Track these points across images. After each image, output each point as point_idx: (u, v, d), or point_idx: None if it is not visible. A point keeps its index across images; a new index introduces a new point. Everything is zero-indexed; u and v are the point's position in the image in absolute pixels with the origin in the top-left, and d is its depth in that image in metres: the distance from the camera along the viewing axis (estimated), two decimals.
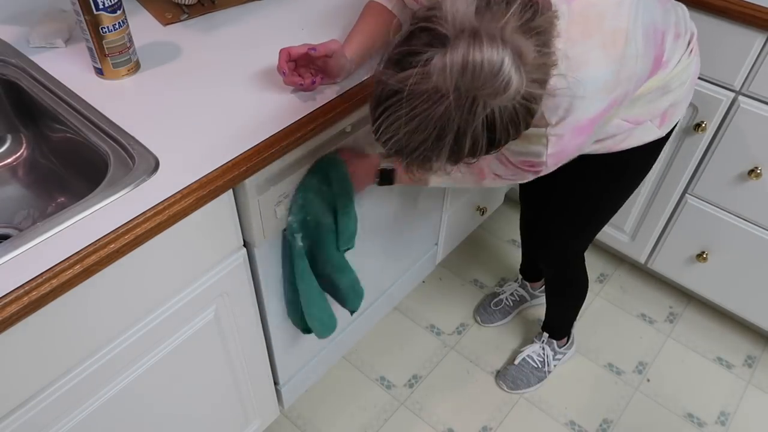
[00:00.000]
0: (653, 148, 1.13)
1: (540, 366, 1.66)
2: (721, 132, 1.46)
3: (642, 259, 1.81)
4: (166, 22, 1.18)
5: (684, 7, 1.06)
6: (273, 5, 1.24)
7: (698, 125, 1.47)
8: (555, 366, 1.68)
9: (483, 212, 1.84)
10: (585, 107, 0.84)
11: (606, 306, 1.88)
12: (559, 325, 1.65)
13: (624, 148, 1.09)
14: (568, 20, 0.78)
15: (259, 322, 1.19)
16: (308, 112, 0.98)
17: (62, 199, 1.06)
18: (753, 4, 1.27)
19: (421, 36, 0.69)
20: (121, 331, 0.91)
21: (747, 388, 1.69)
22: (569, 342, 1.69)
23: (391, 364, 1.71)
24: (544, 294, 1.81)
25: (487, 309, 1.82)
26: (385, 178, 1.10)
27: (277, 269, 1.15)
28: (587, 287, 1.53)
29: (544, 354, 1.66)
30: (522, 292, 1.82)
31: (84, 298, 0.81)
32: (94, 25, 0.96)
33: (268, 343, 1.25)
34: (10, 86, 1.05)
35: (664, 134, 1.11)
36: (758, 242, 1.54)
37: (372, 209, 1.33)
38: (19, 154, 1.10)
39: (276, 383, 1.37)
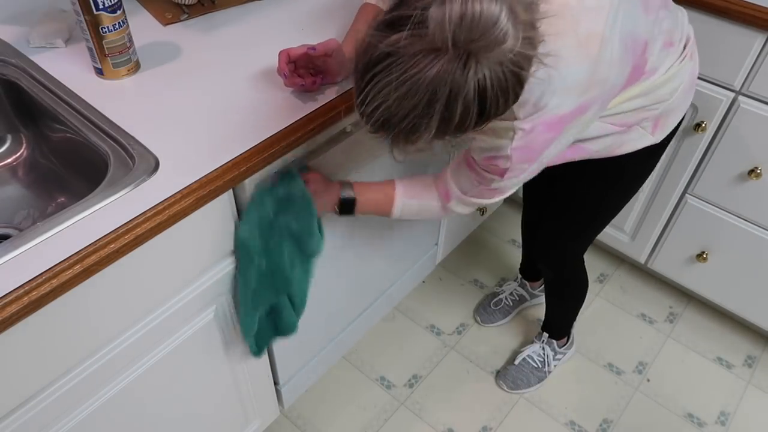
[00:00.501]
0: (648, 155, 1.12)
1: (540, 366, 1.66)
2: (721, 132, 1.46)
3: (642, 259, 1.81)
4: (166, 22, 1.18)
5: (684, 11, 1.05)
6: (273, 5, 1.24)
7: (698, 125, 1.47)
8: (555, 366, 1.68)
9: (483, 212, 1.84)
10: (554, 104, 0.83)
11: (606, 306, 1.88)
12: (558, 325, 1.65)
13: (620, 154, 1.09)
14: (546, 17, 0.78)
15: None
16: (308, 112, 0.98)
17: (62, 199, 1.06)
18: (753, 4, 1.27)
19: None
20: (121, 331, 0.91)
21: (747, 388, 1.69)
22: (569, 342, 1.69)
23: (391, 364, 1.71)
24: (543, 294, 1.81)
25: (487, 309, 1.82)
26: (346, 207, 1.07)
27: None
28: (587, 288, 1.53)
29: (544, 354, 1.66)
30: (521, 291, 1.82)
31: (84, 298, 0.81)
32: (94, 25, 0.96)
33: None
34: (10, 86, 1.05)
35: (658, 141, 1.10)
36: (758, 242, 1.54)
37: None
38: (19, 154, 1.10)
39: (276, 383, 1.37)
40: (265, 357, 1.26)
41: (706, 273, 1.70)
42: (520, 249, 2.02)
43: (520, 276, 1.83)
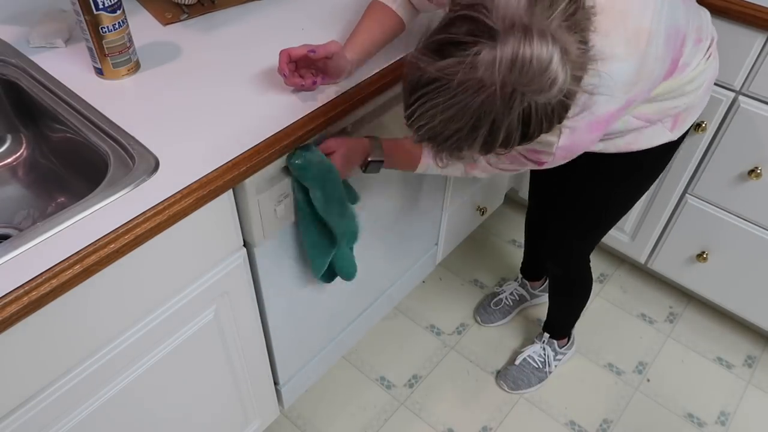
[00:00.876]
0: (665, 151, 1.12)
1: (541, 366, 1.66)
2: (721, 132, 1.46)
3: (642, 259, 1.81)
4: (166, 22, 1.18)
5: (707, 11, 1.06)
6: (273, 5, 1.24)
7: (698, 125, 1.47)
8: (556, 366, 1.68)
9: (483, 212, 1.84)
10: (603, 103, 0.83)
11: (606, 306, 1.88)
12: (561, 324, 1.65)
13: (635, 150, 1.08)
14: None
15: (259, 322, 1.19)
16: (308, 112, 0.98)
17: (62, 199, 1.06)
18: (753, 4, 1.27)
19: (462, 25, 0.68)
20: (121, 331, 0.91)
21: (747, 388, 1.69)
22: (570, 342, 1.69)
23: (391, 364, 1.71)
24: (543, 293, 1.81)
25: (487, 309, 1.82)
26: (373, 167, 1.08)
27: (277, 269, 1.15)
28: (591, 287, 1.53)
29: (545, 354, 1.66)
30: (522, 291, 1.82)
31: (84, 298, 0.81)
32: (94, 25, 0.96)
33: (268, 343, 1.25)
34: (10, 86, 1.04)
35: (676, 138, 1.10)
36: (758, 242, 1.54)
37: (372, 209, 1.33)
38: (19, 154, 1.10)
39: (276, 383, 1.37)
40: (265, 357, 1.26)
41: (706, 273, 1.70)
42: (521, 249, 2.02)
43: (520, 276, 1.83)
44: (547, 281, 1.79)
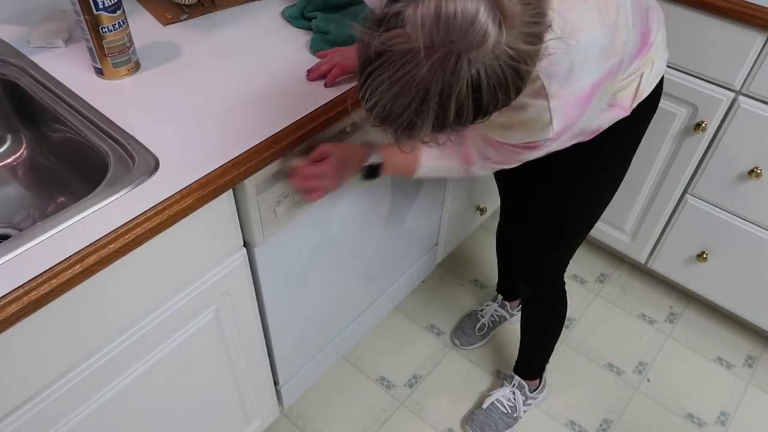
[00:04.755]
0: (623, 129, 1.07)
1: (509, 412, 1.57)
2: (721, 132, 1.46)
3: (642, 259, 1.81)
4: (166, 22, 1.18)
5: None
6: (273, 5, 1.24)
7: (698, 125, 1.47)
8: (525, 411, 1.59)
9: (483, 212, 1.84)
10: (584, 73, 0.82)
11: (606, 306, 1.88)
12: (533, 363, 1.57)
13: (594, 134, 1.06)
14: None
15: (259, 322, 1.19)
16: (308, 112, 0.98)
17: (62, 199, 1.06)
18: (753, 4, 1.27)
19: None
20: (121, 331, 0.91)
21: (747, 388, 1.69)
22: (541, 385, 1.61)
23: (391, 364, 1.71)
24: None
25: (466, 331, 1.76)
26: (371, 173, 1.06)
27: (277, 269, 1.15)
28: (565, 316, 1.45)
29: (514, 399, 1.57)
30: (502, 312, 1.77)
31: (84, 298, 0.81)
32: (94, 25, 0.96)
33: (268, 343, 1.25)
34: (10, 86, 1.04)
35: (628, 112, 1.04)
36: (758, 242, 1.54)
37: (372, 209, 1.33)
38: (19, 154, 1.10)
39: (276, 383, 1.37)
40: (265, 357, 1.26)
41: (706, 273, 1.70)
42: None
43: (500, 296, 1.79)
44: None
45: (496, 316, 1.78)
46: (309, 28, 1.16)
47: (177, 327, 1.00)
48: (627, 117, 1.04)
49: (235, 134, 0.93)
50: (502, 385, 1.62)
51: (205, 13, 1.21)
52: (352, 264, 1.39)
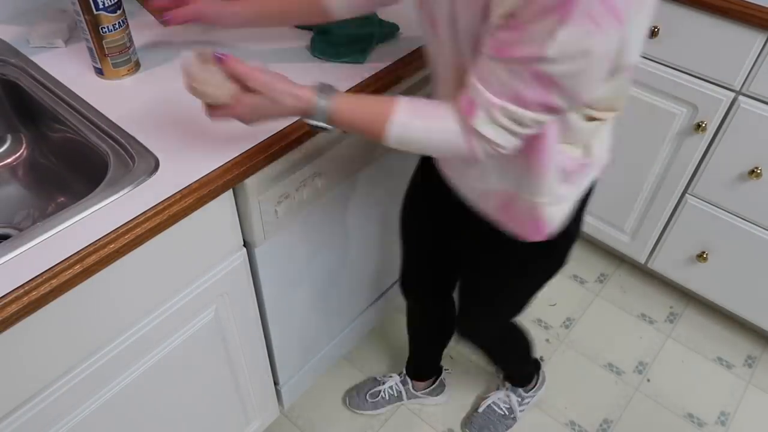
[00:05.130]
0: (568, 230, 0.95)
1: (506, 413, 1.55)
2: (721, 132, 1.46)
3: (642, 259, 1.81)
4: None
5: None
6: None
7: (698, 125, 1.47)
8: (522, 411, 1.57)
9: None
10: None
11: (606, 306, 1.88)
12: (517, 374, 1.55)
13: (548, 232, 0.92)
14: None
15: (259, 322, 1.19)
16: None
17: (62, 199, 1.06)
18: (753, 4, 1.27)
19: None
20: (121, 331, 0.91)
21: (747, 388, 1.69)
22: (538, 383, 1.58)
23: (390, 364, 1.71)
24: (427, 396, 1.61)
25: (361, 395, 1.60)
26: (323, 94, 0.79)
27: (277, 269, 1.15)
28: (528, 337, 1.39)
29: (509, 401, 1.56)
30: (401, 388, 1.60)
31: (84, 298, 0.81)
32: (94, 25, 0.96)
33: (268, 343, 1.25)
34: (10, 86, 1.05)
35: (576, 195, 0.92)
36: (758, 242, 1.54)
37: (372, 209, 1.33)
38: (19, 154, 1.10)
39: (276, 383, 1.37)
40: (265, 357, 1.26)
41: (706, 273, 1.70)
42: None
43: (404, 372, 1.61)
44: (435, 384, 1.60)
45: (395, 390, 1.59)
46: (309, 28, 1.16)
47: (177, 327, 1.00)
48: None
49: (235, 134, 0.93)
50: (497, 388, 1.61)
51: None
52: (352, 264, 1.39)
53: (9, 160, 1.09)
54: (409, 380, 1.60)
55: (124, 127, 0.93)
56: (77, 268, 0.76)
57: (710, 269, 1.68)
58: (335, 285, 1.37)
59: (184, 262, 0.94)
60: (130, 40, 1.02)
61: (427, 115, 0.77)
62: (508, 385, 1.58)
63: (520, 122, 0.73)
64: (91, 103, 0.98)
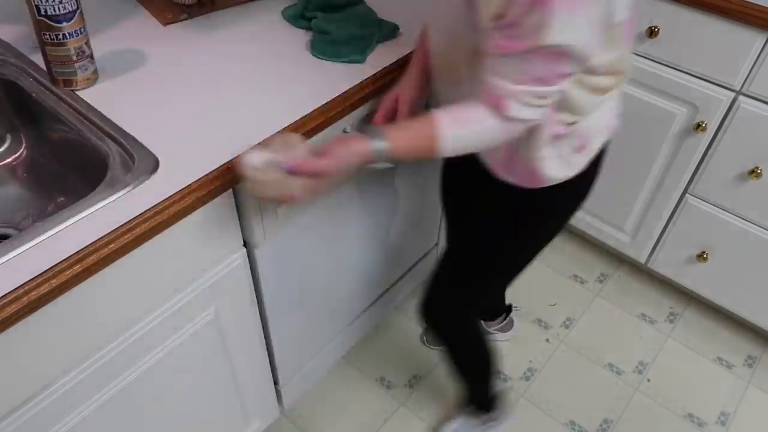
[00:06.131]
0: (576, 187, 1.00)
1: None
2: (721, 132, 1.46)
3: (642, 259, 1.81)
4: (166, 22, 1.18)
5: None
6: (273, 5, 1.24)
7: (698, 125, 1.47)
8: None
9: None
10: None
11: (606, 306, 1.88)
12: (473, 397, 1.45)
13: (543, 184, 0.98)
14: None
15: (259, 322, 1.19)
16: (308, 112, 0.98)
17: (62, 199, 1.06)
18: (753, 4, 1.27)
19: None
20: (121, 331, 0.91)
21: (747, 388, 1.69)
22: (496, 416, 1.48)
23: (391, 364, 1.71)
24: (498, 332, 1.71)
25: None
26: (379, 156, 0.87)
27: (277, 269, 1.15)
28: (486, 362, 1.33)
29: (470, 427, 1.50)
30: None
31: (84, 298, 0.81)
32: (38, 30, 0.92)
33: (268, 343, 1.25)
34: (10, 86, 1.04)
35: (583, 164, 0.97)
36: (758, 242, 1.54)
37: (371, 209, 1.33)
38: (19, 154, 1.10)
39: (276, 383, 1.37)
40: (265, 357, 1.26)
41: (706, 273, 1.70)
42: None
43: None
44: (505, 321, 1.69)
45: None
46: (309, 28, 1.16)
47: (177, 327, 1.00)
48: (573, 185, 1.00)
49: (234, 134, 0.93)
50: (451, 417, 1.54)
51: (205, 14, 1.21)
52: (352, 264, 1.39)
53: (9, 160, 1.09)
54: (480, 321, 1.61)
55: (124, 127, 0.93)
56: (77, 268, 0.76)
57: (710, 269, 1.68)
58: (335, 285, 1.37)
59: (184, 262, 0.94)
60: (79, 54, 0.96)
61: (468, 121, 0.86)
62: (465, 411, 1.50)
63: (545, 96, 0.82)
64: (91, 103, 0.98)
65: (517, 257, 1.15)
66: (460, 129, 0.86)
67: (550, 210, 1.07)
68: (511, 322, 1.73)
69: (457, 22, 0.87)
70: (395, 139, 0.87)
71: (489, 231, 1.10)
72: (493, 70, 0.81)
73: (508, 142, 0.91)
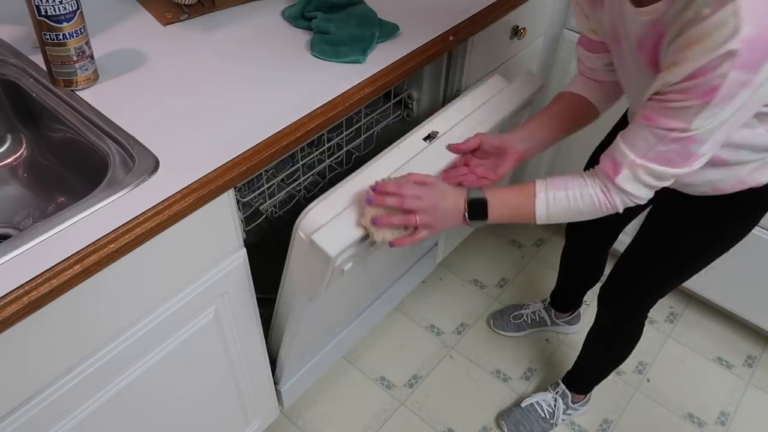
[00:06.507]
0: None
1: (547, 417, 1.56)
2: None
3: None
4: (166, 22, 1.18)
5: None
6: (273, 5, 1.24)
7: None
8: (563, 421, 1.58)
9: None
10: None
11: None
12: (586, 378, 1.53)
13: (745, 188, 0.97)
14: None
15: (259, 322, 1.19)
16: (308, 112, 0.98)
17: (62, 199, 1.06)
18: None
19: None
20: (121, 331, 0.91)
21: (747, 388, 1.69)
22: (586, 398, 1.58)
23: (391, 364, 1.71)
24: (566, 326, 1.76)
25: (505, 317, 1.79)
26: (476, 210, 0.90)
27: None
28: (634, 348, 1.41)
29: (554, 406, 1.56)
30: (544, 315, 1.77)
31: (84, 298, 0.81)
32: (39, 30, 0.92)
33: (268, 343, 1.25)
34: (10, 86, 1.04)
35: None
36: (759, 242, 1.54)
37: None
38: (19, 154, 1.10)
39: (276, 383, 1.37)
40: (265, 357, 1.26)
41: (706, 273, 1.69)
42: (521, 248, 2.02)
43: (548, 300, 1.77)
44: (573, 315, 1.76)
45: (537, 316, 1.77)
46: (309, 28, 1.16)
47: (177, 327, 1.00)
48: None
49: (234, 134, 0.93)
50: (546, 389, 1.60)
51: (205, 13, 1.21)
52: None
53: (9, 160, 1.09)
54: (551, 309, 1.76)
55: (124, 127, 0.93)
56: (77, 268, 0.76)
57: (710, 269, 1.67)
58: (339, 290, 1.37)
59: (184, 262, 0.94)
60: (79, 54, 0.97)
61: (565, 186, 0.89)
62: (560, 389, 1.57)
63: (661, 177, 0.83)
64: (91, 103, 0.98)
65: (713, 256, 1.17)
66: (557, 191, 0.89)
67: (753, 206, 1.06)
68: (579, 316, 1.78)
69: (641, 83, 0.86)
70: (492, 196, 0.90)
71: (695, 240, 1.11)
72: (626, 135, 0.85)
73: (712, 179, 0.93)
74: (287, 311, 1.13)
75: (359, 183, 0.94)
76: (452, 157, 1.02)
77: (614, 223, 1.23)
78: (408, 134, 1.06)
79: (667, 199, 1.04)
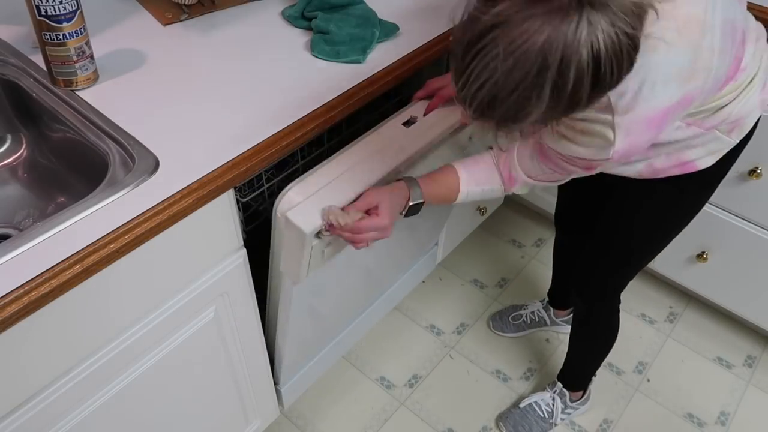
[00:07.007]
0: (724, 161, 1.03)
1: (546, 416, 1.56)
2: None
3: None
4: (166, 22, 1.18)
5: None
6: (273, 5, 1.24)
7: None
8: (562, 420, 1.58)
9: (483, 212, 1.84)
10: (657, 94, 0.77)
11: None
12: (578, 372, 1.55)
13: (688, 160, 1.00)
14: None
15: (259, 322, 1.19)
16: (308, 112, 0.98)
17: (62, 199, 1.06)
18: (753, 3, 1.27)
19: None
20: (121, 331, 0.91)
21: (747, 388, 1.69)
22: (584, 397, 1.59)
23: (391, 364, 1.71)
24: (565, 324, 1.76)
25: (504, 318, 1.79)
26: (413, 211, 1.01)
27: None
28: (616, 334, 1.42)
29: (553, 405, 1.56)
30: (543, 314, 1.77)
31: (84, 298, 0.81)
32: (39, 30, 0.93)
33: (268, 343, 1.25)
34: (10, 86, 1.05)
35: (735, 142, 0.99)
36: (758, 242, 1.54)
37: None
38: (19, 154, 1.10)
39: (276, 383, 1.37)
40: (265, 357, 1.26)
41: (706, 273, 1.69)
42: (520, 249, 2.02)
43: (546, 299, 1.78)
44: (571, 314, 1.73)
45: (536, 316, 1.77)
46: (309, 28, 1.16)
47: (177, 327, 1.00)
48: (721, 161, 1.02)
49: (234, 134, 0.94)
50: (544, 389, 1.60)
51: (205, 13, 1.21)
52: (352, 264, 1.39)
53: (9, 160, 1.09)
54: (550, 308, 1.76)
55: (124, 127, 0.93)
56: (77, 268, 0.76)
57: (710, 269, 1.68)
58: (335, 285, 1.37)
59: (184, 263, 0.94)
60: (79, 54, 0.97)
61: (481, 182, 1.02)
62: (557, 387, 1.57)
63: (549, 186, 1.01)
64: (91, 103, 0.98)
65: (669, 238, 1.20)
66: (475, 187, 1.02)
67: (700, 187, 1.12)
68: None
69: None
70: (427, 195, 1.00)
71: (642, 223, 1.15)
72: (521, 157, 0.98)
73: (649, 166, 1.00)
74: (276, 299, 1.13)
75: (336, 166, 0.97)
76: (430, 138, 1.06)
77: (600, 205, 1.26)
78: (388, 119, 1.07)
79: (616, 182, 1.07)
